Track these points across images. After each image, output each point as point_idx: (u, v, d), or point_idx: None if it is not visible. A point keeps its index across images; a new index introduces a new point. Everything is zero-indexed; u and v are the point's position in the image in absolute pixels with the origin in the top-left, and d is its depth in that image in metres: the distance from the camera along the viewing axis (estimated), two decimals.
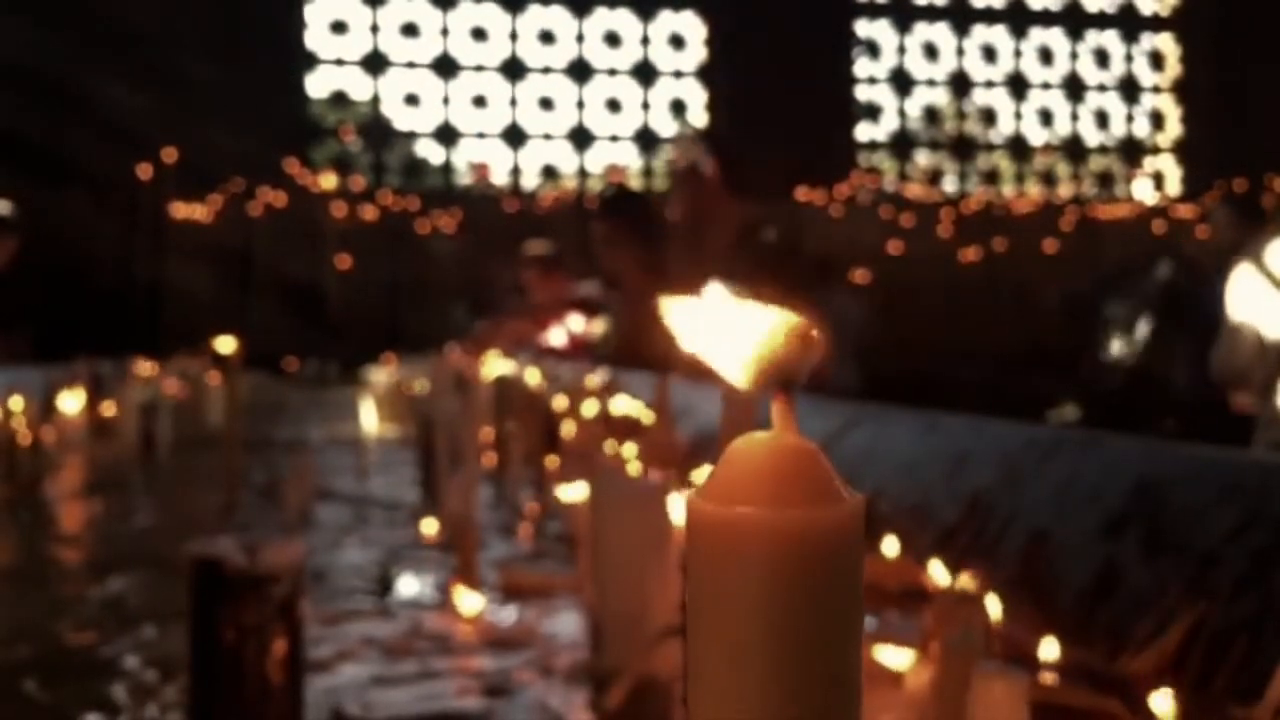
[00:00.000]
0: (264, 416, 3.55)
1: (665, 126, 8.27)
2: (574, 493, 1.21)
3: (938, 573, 1.15)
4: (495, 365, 3.07)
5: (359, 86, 7.87)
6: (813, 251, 6.25)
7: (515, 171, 8.04)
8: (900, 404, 1.92)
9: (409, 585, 1.46)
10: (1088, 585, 1.07)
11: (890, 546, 1.29)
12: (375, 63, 7.83)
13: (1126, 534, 1.07)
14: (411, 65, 7.89)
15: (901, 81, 8.61)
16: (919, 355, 6.56)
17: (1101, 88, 8.99)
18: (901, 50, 8.60)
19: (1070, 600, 1.08)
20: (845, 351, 3.68)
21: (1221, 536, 0.98)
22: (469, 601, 1.28)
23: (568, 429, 2.08)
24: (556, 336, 4.53)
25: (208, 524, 1.88)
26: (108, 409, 3.09)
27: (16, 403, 2.46)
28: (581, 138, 8.11)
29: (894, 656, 0.99)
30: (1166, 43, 9.04)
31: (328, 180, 7.63)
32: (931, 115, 8.83)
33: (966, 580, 1.07)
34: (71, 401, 2.70)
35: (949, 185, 8.75)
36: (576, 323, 4.33)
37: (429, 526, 1.72)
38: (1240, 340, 2.88)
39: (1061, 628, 0.98)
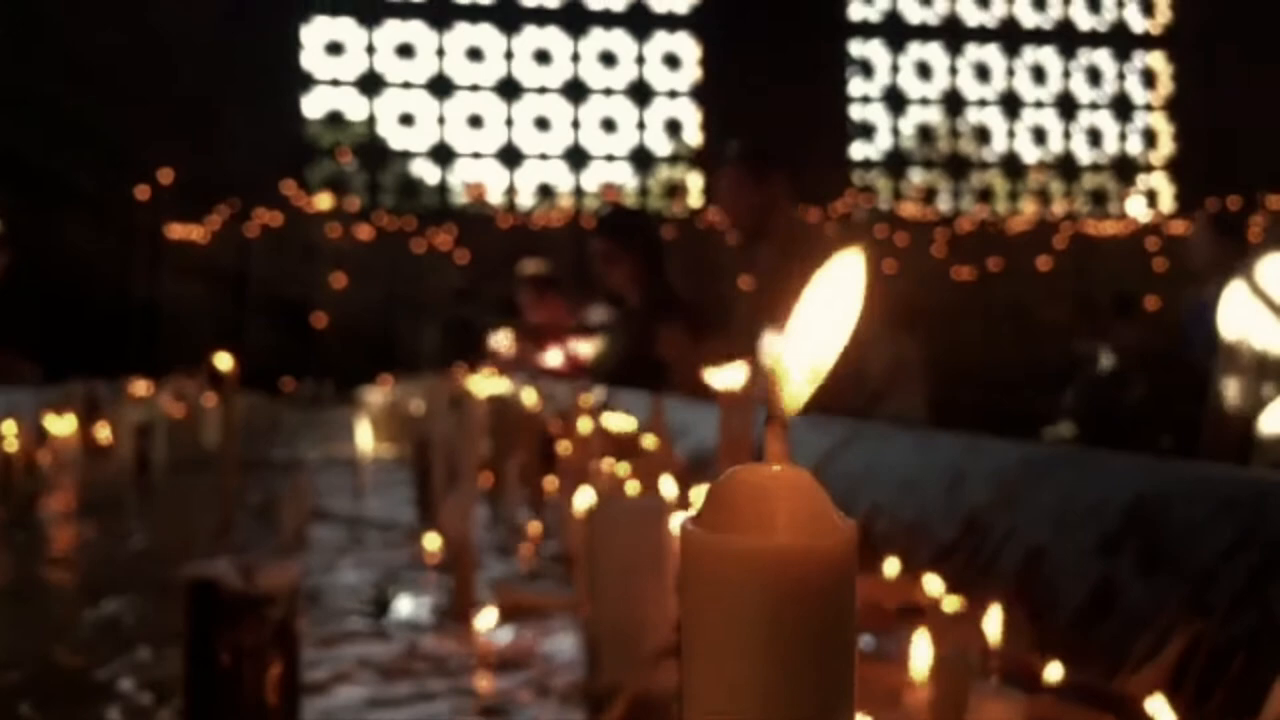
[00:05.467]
0: (260, 436, 3.55)
1: (660, 146, 8.30)
2: (584, 498, 1.21)
3: (934, 591, 1.15)
4: (490, 384, 3.07)
5: (355, 107, 7.90)
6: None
7: (511, 191, 8.06)
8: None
9: (405, 606, 1.45)
10: (1084, 603, 1.07)
11: (890, 566, 1.29)
12: (371, 83, 7.86)
13: (1123, 551, 1.08)
14: (407, 85, 7.92)
15: (895, 100, 8.65)
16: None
17: (1094, 106, 9.03)
18: (895, 69, 8.64)
19: (1067, 618, 1.08)
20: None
21: (1218, 553, 0.98)
22: (485, 619, 1.27)
23: (564, 448, 2.08)
24: (553, 358, 4.52)
25: (203, 545, 1.87)
26: (102, 429, 3.08)
27: (10, 426, 2.46)
28: (577, 157, 8.13)
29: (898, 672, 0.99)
30: (1158, 61, 9.10)
31: (323, 201, 7.64)
32: (925, 134, 8.87)
33: (959, 600, 1.07)
34: (61, 424, 2.69)
35: (943, 203, 8.78)
36: (585, 348, 4.30)
37: (429, 543, 1.71)
38: (1237, 361, 2.88)
39: (1058, 645, 0.98)
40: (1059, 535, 1.17)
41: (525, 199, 8.06)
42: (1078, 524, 1.16)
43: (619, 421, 2.24)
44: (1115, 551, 1.08)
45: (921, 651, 0.97)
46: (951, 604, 1.09)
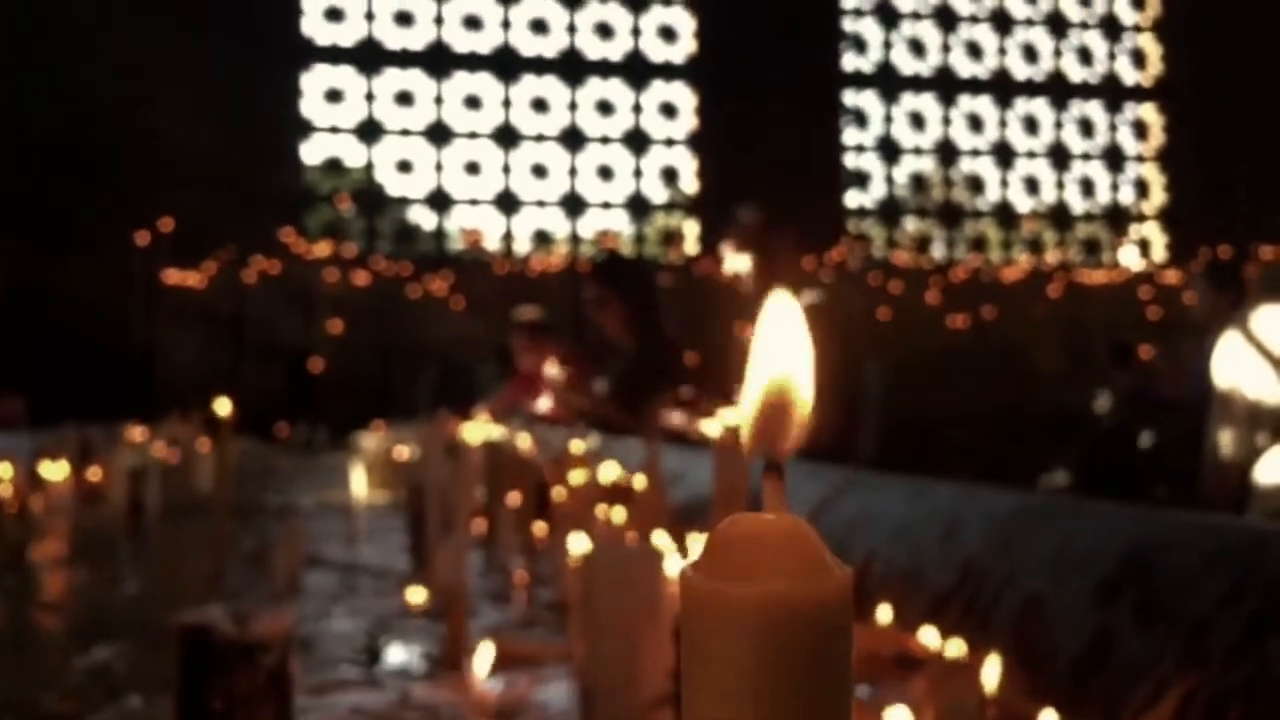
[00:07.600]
0: (253, 482, 3.53)
1: (657, 193, 8.36)
2: (579, 546, 1.20)
3: (931, 640, 1.15)
4: (484, 430, 3.07)
5: (353, 154, 7.95)
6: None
7: (508, 237, 8.10)
8: (892, 470, 1.92)
9: (398, 654, 1.44)
10: (1081, 652, 1.07)
11: (884, 614, 1.28)
12: (370, 130, 7.92)
13: (1119, 601, 1.07)
14: (405, 133, 7.98)
15: (889, 150, 8.73)
16: (910, 423, 6.56)
17: (1086, 156, 9.12)
18: (888, 119, 8.73)
19: (1064, 667, 1.07)
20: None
21: (1214, 603, 0.98)
22: (480, 665, 1.26)
23: (559, 494, 2.07)
24: (544, 403, 4.52)
25: (196, 592, 1.86)
26: (95, 474, 3.07)
27: (5, 469, 2.45)
28: (574, 204, 8.18)
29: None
30: (1150, 112, 9.20)
31: (321, 248, 7.66)
32: (919, 183, 8.94)
33: (959, 648, 1.07)
34: (54, 469, 2.68)
35: (937, 252, 8.83)
36: (551, 371, 4.26)
37: (417, 595, 1.70)
38: (1232, 411, 2.89)
39: (1056, 695, 0.98)
40: (1055, 584, 1.17)
41: (522, 245, 8.10)
42: (1074, 572, 1.16)
43: (612, 470, 2.23)
44: (1112, 600, 1.08)
45: (919, 701, 0.96)
46: (954, 650, 1.08)
